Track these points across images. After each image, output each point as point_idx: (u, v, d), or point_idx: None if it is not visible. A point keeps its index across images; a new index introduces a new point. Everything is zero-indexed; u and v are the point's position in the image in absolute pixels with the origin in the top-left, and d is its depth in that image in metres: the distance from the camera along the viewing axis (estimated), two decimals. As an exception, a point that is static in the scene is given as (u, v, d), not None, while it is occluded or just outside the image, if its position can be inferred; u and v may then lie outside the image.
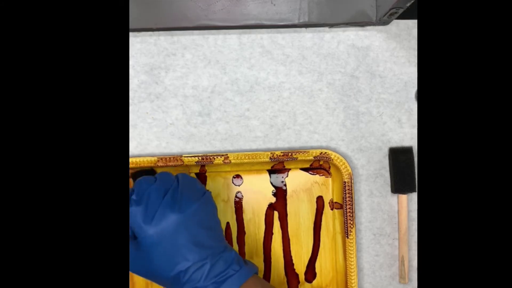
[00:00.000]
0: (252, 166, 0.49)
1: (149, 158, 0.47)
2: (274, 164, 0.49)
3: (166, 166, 0.48)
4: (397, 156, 0.49)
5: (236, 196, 0.50)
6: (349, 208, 0.48)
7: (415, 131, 0.50)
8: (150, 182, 0.41)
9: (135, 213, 0.39)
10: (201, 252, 0.39)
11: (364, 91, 0.50)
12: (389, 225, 0.50)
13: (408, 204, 0.49)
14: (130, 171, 0.48)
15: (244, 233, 0.50)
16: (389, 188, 0.50)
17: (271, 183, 0.50)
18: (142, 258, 0.39)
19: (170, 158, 0.47)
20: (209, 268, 0.39)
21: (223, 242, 0.42)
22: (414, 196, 0.50)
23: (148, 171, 0.48)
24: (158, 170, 0.49)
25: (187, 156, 0.48)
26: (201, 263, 0.39)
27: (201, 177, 0.50)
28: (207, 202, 0.42)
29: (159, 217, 0.39)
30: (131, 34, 0.49)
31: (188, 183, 0.42)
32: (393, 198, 0.50)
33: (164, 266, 0.39)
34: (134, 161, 0.47)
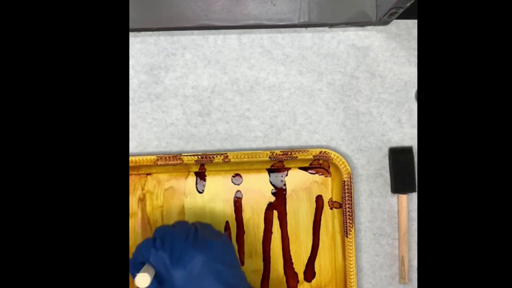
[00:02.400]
0: (252, 165, 0.49)
1: (148, 157, 0.47)
2: (274, 163, 0.50)
3: (166, 165, 0.48)
4: (397, 156, 0.49)
5: (235, 195, 0.50)
6: (348, 207, 0.48)
7: (415, 131, 0.50)
8: (170, 228, 0.41)
9: (162, 257, 0.39)
10: None
11: (364, 91, 0.50)
12: (389, 225, 0.50)
13: (408, 204, 0.49)
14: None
15: (244, 232, 0.50)
16: (389, 188, 0.50)
17: (271, 182, 0.50)
18: None
19: (169, 157, 0.48)
20: None
21: (246, 282, 0.42)
22: (414, 196, 0.50)
23: None
24: (158, 169, 0.49)
25: (187, 155, 0.48)
26: None
27: (201, 176, 0.50)
28: (227, 242, 0.43)
29: (186, 258, 0.39)
30: (131, 34, 0.49)
31: (205, 226, 0.43)
32: (393, 198, 0.50)
33: None
34: (133, 159, 0.47)
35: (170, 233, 0.40)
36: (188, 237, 0.40)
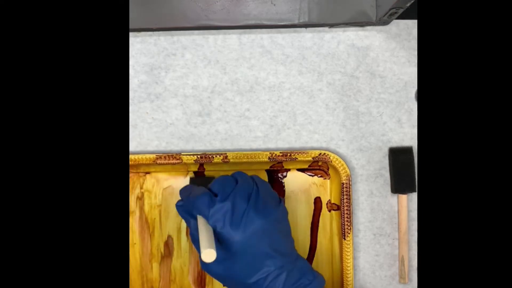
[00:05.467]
0: (251, 166, 0.49)
1: (148, 156, 0.47)
2: (273, 164, 0.49)
3: (165, 164, 0.48)
4: (397, 156, 0.49)
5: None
6: (346, 210, 0.48)
7: (415, 131, 0.50)
8: (232, 184, 0.41)
9: (223, 215, 0.38)
10: (280, 259, 0.39)
11: (364, 91, 0.50)
12: (389, 225, 0.50)
13: (408, 204, 0.49)
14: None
15: (244, 233, 0.50)
16: (389, 188, 0.50)
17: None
18: (224, 262, 0.38)
19: (169, 156, 0.48)
20: (286, 276, 0.38)
21: (295, 250, 0.42)
22: (414, 196, 0.50)
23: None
24: (157, 168, 0.49)
25: (186, 154, 0.48)
26: (279, 270, 0.38)
27: (200, 175, 0.50)
28: (284, 210, 0.43)
29: (246, 222, 0.38)
30: (131, 34, 0.49)
31: (265, 187, 0.42)
32: (393, 198, 0.50)
33: (245, 271, 0.38)
34: (133, 158, 0.47)
35: (232, 189, 0.40)
36: (250, 198, 0.39)
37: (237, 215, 0.38)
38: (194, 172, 0.50)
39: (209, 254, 0.36)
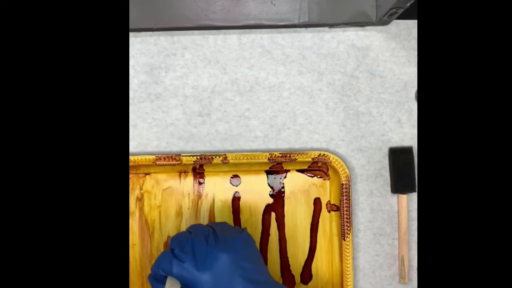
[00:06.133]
0: (250, 167, 0.49)
1: (147, 157, 0.47)
2: (273, 165, 0.49)
3: (165, 165, 0.48)
4: (397, 156, 0.49)
5: (233, 197, 0.50)
6: (346, 210, 0.48)
7: (415, 131, 0.50)
8: (187, 235, 0.40)
9: (186, 266, 0.37)
10: None
11: (364, 91, 0.50)
12: (389, 225, 0.50)
13: (408, 204, 0.49)
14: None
15: (244, 233, 0.50)
16: (389, 188, 0.50)
17: (269, 184, 0.50)
18: None
19: (168, 157, 0.47)
20: None
21: (270, 276, 0.41)
22: (414, 196, 0.50)
23: None
24: (157, 169, 0.49)
25: (186, 155, 0.48)
26: None
27: (200, 176, 0.50)
28: (248, 237, 0.42)
29: (211, 260, 0.37)
30: (131, 34, 0.49)
31: (221, 226, 0.41)
32: (393, 198, 0.50)
33: None
34: (132, 159, 0.47)
35: (188, 240, 0.39)
36: (208, 239, 0.39)
37: (200, 257, 0.38)
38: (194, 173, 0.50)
39: None
